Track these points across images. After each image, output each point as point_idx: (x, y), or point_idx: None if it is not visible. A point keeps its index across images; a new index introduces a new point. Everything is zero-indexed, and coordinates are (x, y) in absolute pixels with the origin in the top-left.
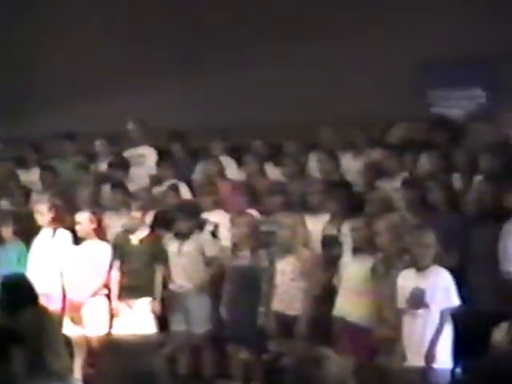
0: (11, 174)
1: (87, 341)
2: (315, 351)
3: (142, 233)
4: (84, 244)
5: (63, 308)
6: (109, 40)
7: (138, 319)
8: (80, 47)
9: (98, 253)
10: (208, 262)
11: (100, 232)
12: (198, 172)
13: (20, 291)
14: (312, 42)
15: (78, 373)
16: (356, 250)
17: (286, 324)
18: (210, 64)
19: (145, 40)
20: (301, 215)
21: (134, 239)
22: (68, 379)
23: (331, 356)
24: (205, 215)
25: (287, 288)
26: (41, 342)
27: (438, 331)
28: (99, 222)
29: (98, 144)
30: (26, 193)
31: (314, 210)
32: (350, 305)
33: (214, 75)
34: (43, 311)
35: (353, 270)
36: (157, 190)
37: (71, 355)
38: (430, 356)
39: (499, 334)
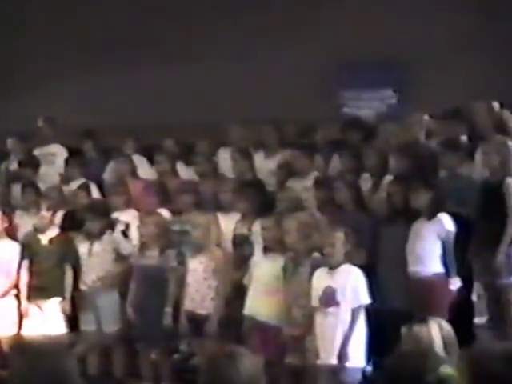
0: None
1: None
2: (227, 349)
3: (52, 233)
4: None
5: None
6: (19, 38)
7: (47, 320)
8: None
9: (8, 252)
10: (119, 259)
11: (11, 231)
12: (109, 171)
13: None
14: (223, 42)
15: None
16: (266, 249)
17: (197, 323)
18: (121, 63)
19: (55, 39)
20: (214, 214)
21: (44, 239)
22: None
23: (244, 354)
24: (116, 215)
25: (199, 287)
26: None
27: (350, 329)
28: (10, 222)
29: (10, 142)
30: None
31: (225, 209)
32: (259, 304)
33: (124, 74)
34: None
35: (263, 269)
36: (66, 189)
37: None
38: (342, 354)
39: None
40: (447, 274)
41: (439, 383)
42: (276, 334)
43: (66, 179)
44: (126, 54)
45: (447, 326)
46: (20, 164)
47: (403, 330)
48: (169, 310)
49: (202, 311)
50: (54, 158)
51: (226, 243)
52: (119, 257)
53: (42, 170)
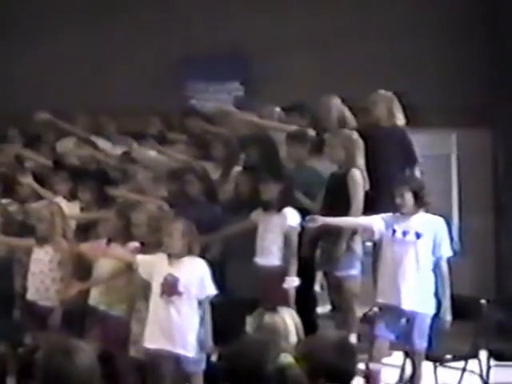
0: None
1: None
2: (65, 342)
3: None
4: None
5: None
6: None
7: None
8: None
9: None
10: None
11: None
12: None
13: None
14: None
15: None
16: (109, 240)
17: (41, 315)
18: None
19: None
20: (57, 204)
21: None
22: None
23: (80, 347)
24: None
25: (44, 278)
26: None
27: (194, 319)
28: None
29: None
30: None
31: (66, 197)
32: (101, 294)
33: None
34: None
35: (105, 260)
36: None
37: None
38: (186, 344)
39: (250, 321)
40: (285, 270)
41: (279, 372)
42: (117, 325)
43: None
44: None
45: (296, 316)
46: None
47: (251, 318)
48: (16, 302)
49: (45, 303)
50: None
51: (70, 232)
52: None
53: None
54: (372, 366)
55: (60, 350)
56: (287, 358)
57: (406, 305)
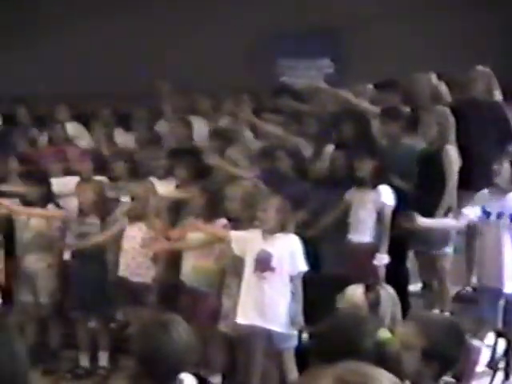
0: None
1: None
2: (160, 317)
3: None
4: None
5: None
6: None
7: None
8: None
9: None
10: (53, 239)
11: None
12: (45, 138)
13: None
14: (157, 9)
15: None
16: (196, 216)
17: (132, 291)
18: (55, 32)
19: None
20: (151, 182)
21: None
22: None
23: (177, 321)
24: (54, 182)
25: (135, 255)
26: None
27: (286, 295)
28: None
29: None
30: None
31: (161, 176)
32: (191, 269)
33: (61, 42)
34: None
35: (193, 235)
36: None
37: None
38: (278, 320)
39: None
40: (377, 247)
41: (377, 348)
42: (208, 301)
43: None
44: (59, 23)
45: (393, 292)
46: None
47: (344, 294)
48: (107, 278)
49: (137, 279)
50: None
51: (163, 211)
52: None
53: None
54: (475, 342)
55: (156, 323)
56: (385, 334)
57: (508, 287)
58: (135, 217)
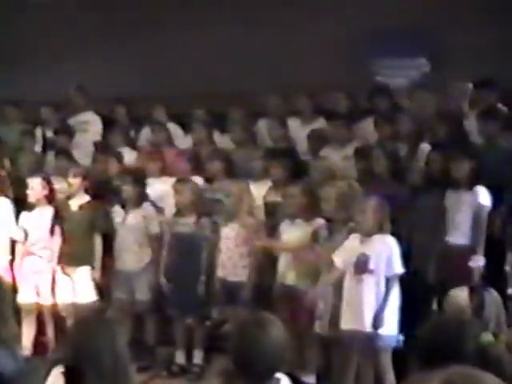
0: None
1: (38, 308)
2: (257, 316)
3: (82, 199)
4: (35, 210)
5: (13, 276)
6: (48, 8)
7: (77, 288)
8: (21, 16)
9: (47, 219)
10: (151, 238)
11: (51, 198)
12: (144, 139)
13: None
14: (259, 7)
15: (25, 341)
16: (293, 216)
17: (229, 290)
18: (152, 32)
19: (83, 7)
20: (246, 182)
21: (74, 206)
22: (14, 347)
23: (273, 320)
24: (151, 182)
25: (231, 254)
26: None
27: (385, 298)
28: (50, 188)
29: (44, 112)
30: None
31: (257, 176)
32: (288, 269)
33: (155, 42)
34: None
35: (291, 235)
36: (101, 157)
37: (18, 323)
38: (376, 322)
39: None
40: (473, 249)
41: (480, 352)
42: (304, 300)
43: (105, 147)
44: (156, 22)
45: (497, 294)
46: (55, 132)
47: (447, 297)
48: (202, 277)
49: (233, 278)
50: (87, 126)
51: (257, 211)
52: (151, 236)
53: (76, 138)
54: None
55: (253, 322)
56: (489, 337)
57: None
58: (229, 216)
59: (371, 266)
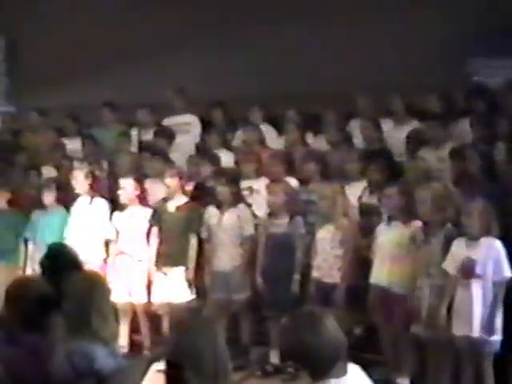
0: (56, 143)
1: (132, 307)
2: (309, 310)
3: (180, 201)
4: (127, 210)
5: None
6: (146, 9)
7: (173, 287)
8: (117, 17)
9: (139, 219)
10: (246, 239)
11: (143, 199)
12: (238, 140)
13: (63, 257)
14: (350, 8)
15: (121, 339)
16: (390, 218)
17: (323, 291)
18: (247, 33)
19: (181, 9)
20: (340, 185)
21: (171, 207)
22: (113, 345)
23: (325, 313)
24: (246, 183)
25: (326, 256)
26: (88, 306)
27: (494, 303)
28: (142, 189)
29: (140, 113)
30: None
31: (351, 178)
32: (383, 271)
33: (250, 44)
34: (91, 276)
35: (387, 237)
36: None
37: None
38: (486, 327)
39: None
40: None
41: None
42: (400, 302)
43: (203, 149)
44: (253, 24)
45: None
46: (155, 134)
47: None
48: (296, 277)
49: (328, 280)
50: (188, 127)
51: (352, 213)
52: (246, 237)
53: (177, 139)
54: None
55: (306, 316)
56: None
57: None
58: (323, 217)
59: (478, 270)
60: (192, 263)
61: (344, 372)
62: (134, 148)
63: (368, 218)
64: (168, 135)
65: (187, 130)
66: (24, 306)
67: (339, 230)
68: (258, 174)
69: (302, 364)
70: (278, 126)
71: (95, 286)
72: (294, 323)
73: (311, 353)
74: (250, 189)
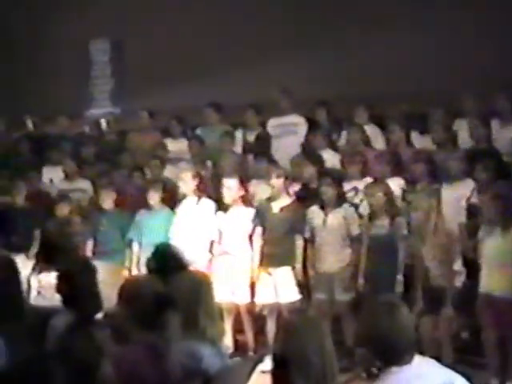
0: (159, 144)
1: (235, 307)
2: (386, 299)
3: (284, 201)
4: (231, 211)
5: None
6: (248, 9)
7: (278, 287)
8: (220, 18)
9: (243, 219)
10: (353, 239)
11: (246, 199)
12: (344, 140)
13: (169, 258)
14: (453, 6)
15: (227, 339)
16: (491, 221)
17: (432, 294)
18: (350, 32)
19: (285, 9)
20: (437, 199)
21: (275, 207)
22: (220, 345)
23: (400, 303)
24: (352, 184)
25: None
26: (196, 306)
27: None
28: (246, 190)
29: (246, 114)
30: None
31: (458, 178)
32: (493, 279)
33: (353, 43)
34: (198, 276)
35: (492, 243)
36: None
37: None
38: None
39: None
40: None
41: None
42: (508, 307)
43: (309, 149)
44: (357, 24)
45: None
46: (258, 136)
47: None
48: (399, 277)
49: (437, 283)
50: (295, 128)
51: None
52: (352, 237)
53: (283, 140)
54: None
55: (383, 305)
56: None
57: None
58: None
59: None
60: (299, 263)
61: (407, 361)
62: (238, 149)
63: (475, 219)
64: (269, 136)
65: (294, 130)
66: (140, 305)
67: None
68: (363, 174)
69: (374, 350)
70: (384, 126)
71: (202, 285)
72: (372, 310)
73: (386, 339)
74: (355, 189)
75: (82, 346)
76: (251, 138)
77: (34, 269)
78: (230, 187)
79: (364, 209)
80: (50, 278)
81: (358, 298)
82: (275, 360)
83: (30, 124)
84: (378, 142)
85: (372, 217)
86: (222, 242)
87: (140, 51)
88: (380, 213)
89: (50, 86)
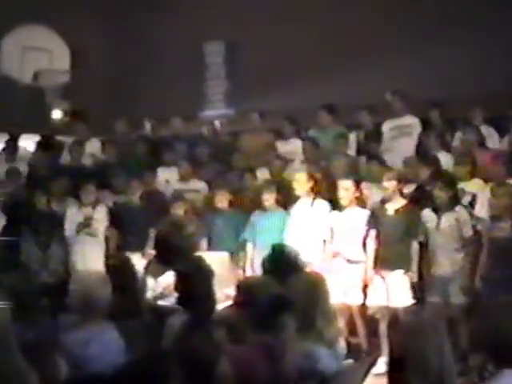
0: (270, 145)
1: (348, 309)
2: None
3: (398, 203)
4: (345, 212)
5: None
6: (362, 9)
7: (391, 291)
8: (330, 17)
9: (357, 220)
10: (466, 241)
11: (361, 200)
12: (457, 141)
13: (285, 259)
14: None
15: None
16: None
17: None
18: (463, 31)
19: (400, 8)
20: None
21: (390, 209)
22: (336, 347)
23: None
24: (461, 185)
25: None
26: (313, 307)
27: None
28: (361, 191)
29: (360, 115)
30: (285, 163)
31: None
32: None
33: (467, 42)
34: (314, 277)
35: None
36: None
37: None
38: None
39: None
40: None
41: None
42: None
43: (423, 151)
44: (469, 21)
45: None
46: (366, 136)
47: None
48: None
49: None
50: (410, 129)
51: None
52: (465, 240)
53: (399, 141)
54: None
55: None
56: None
57: None
58: None
59: None
60: (414, 267)
61: None
62: (352, 151)
63: None
64: (379, 137)
65: (409, 132)
66: (256, 306)
67: None
68: (472, 175)
69: (491, 352)
70: (501, 127)
71: (319, 287)
72: (491, 311)
73: (503, 341)
74: (462, 191)
75: (200, 345)
76: (361, 138)
77: (147, 268)
78: (346, 189)
79: (478, 210)
80: (166, 277)
81: (473, 301)
82: (392, 362)
83: (147, 126)
84: (493, 142)
85: (494, 218)
86: (334, 242)
87: (254, 53)
88: (503, 215)
89: (166, 87)
